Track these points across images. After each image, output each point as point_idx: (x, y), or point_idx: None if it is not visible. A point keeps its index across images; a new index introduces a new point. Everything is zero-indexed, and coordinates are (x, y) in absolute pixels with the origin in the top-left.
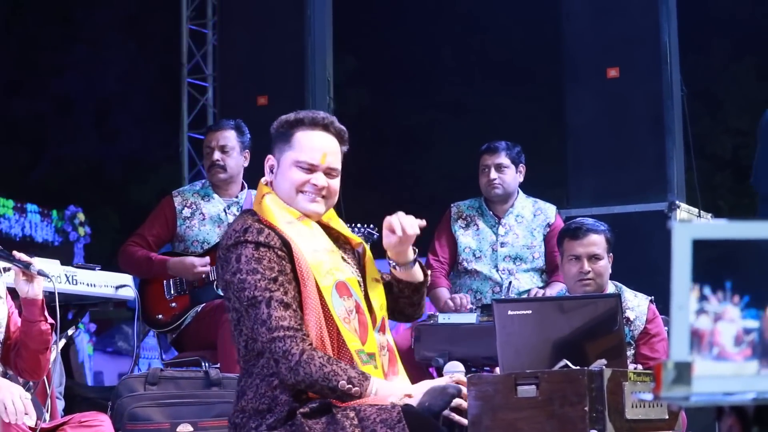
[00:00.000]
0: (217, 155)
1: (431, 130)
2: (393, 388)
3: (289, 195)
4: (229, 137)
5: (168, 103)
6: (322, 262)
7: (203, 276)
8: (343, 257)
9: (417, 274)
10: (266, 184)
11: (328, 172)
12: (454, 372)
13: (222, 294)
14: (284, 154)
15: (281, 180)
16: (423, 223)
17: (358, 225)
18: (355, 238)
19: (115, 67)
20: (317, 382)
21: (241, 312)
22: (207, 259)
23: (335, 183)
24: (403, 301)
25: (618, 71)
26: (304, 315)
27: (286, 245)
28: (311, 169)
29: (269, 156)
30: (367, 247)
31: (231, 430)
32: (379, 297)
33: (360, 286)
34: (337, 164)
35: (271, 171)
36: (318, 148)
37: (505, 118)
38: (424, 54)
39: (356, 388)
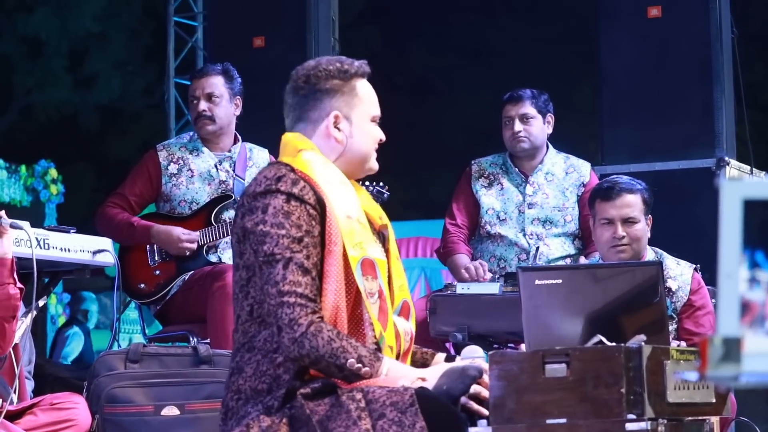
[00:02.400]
0: (203, 105)
1: (448, 77)
2: (406, 369)
3: (367, 153)
4: (217, 84)
5: (152, 45)
6: (354, 231)
7: (186, 253)
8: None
9: None
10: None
11: None
12: (474, 357)
13: (232, 248)
14: (355, 108)
15: (361, 137)
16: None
17: (367, 183)
18: (379, 217)
19: (91, 4)
20: (323, 357)
21: (254, 269)
22: (196, 234)
23: None
24: None
25: (660, 10)
26: (323, 284)
27: (320, 203)
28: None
29: (336, 113)
30: (392, 229)
31: (223, 414)
32: (400, 277)
33: (386, 270)
34: None
35: (337, 127)
36: (377, 100)
37: (532, 63)
38: None
39: (366, 368)
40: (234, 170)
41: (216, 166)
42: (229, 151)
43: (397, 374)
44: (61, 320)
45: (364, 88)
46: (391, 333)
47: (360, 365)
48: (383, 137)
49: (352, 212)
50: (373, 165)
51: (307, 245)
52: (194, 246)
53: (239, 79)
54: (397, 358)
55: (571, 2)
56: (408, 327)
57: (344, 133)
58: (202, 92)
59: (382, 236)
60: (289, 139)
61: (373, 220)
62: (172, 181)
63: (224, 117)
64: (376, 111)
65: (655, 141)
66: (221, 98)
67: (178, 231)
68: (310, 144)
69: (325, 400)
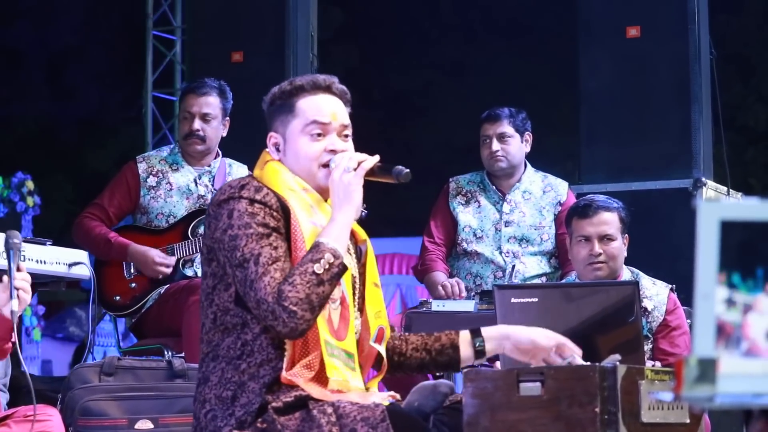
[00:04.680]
0: (197, 124)
1: (427, 94)
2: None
3: (307, 172)
4: (213, 103)
5: (130, 59)
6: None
7: (159, 276)
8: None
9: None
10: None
11: (342, 134)
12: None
13: (201, 257)
14: (289, 126)
15: (293, 156)
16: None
17: None
18: (361, 233)
19: (70, 17)
20: (309, 298)
21: (219, 278)
22: (173, 259)
23: (351, 147)
24: (414, 367)
25: (639, 30)
26: None
27: (284, 210)
28: (323, 132)
29: (271, 134)
30: (371, 246)
31: (194, 427)
32: (376, 304)
33: (353, 280)
34: (349, 123)
35: (277, 149)
36: (325, 108)
37: (511, 81)
38: (420, 7)
39: (331, 261)
40: (213, 185)
41: (195, 180)
42: (209, 165)
43: (334, 232)
44: (36, 332)
45: (305, 103)
46: (352, 340)
47: (325, 263)
48: (333, 147)
49: (317, 219)
50: (325, 183)
51: (276, 239)
52: (168, 270)
53: (231, 100)
54: (363, 371)
55: (550, 21)
56: (383, 351)
57: (281, 153)
58: (199, 110)
59: (359, 250)
60: (262, 153)
61: (357, 233)
62: (151, 194)
63: (214, 138)
64: (311, 118)
65: (632, 161)
66: (215, 119)
67: (154, 253)
68: (271, 156)
69: (296, 414)
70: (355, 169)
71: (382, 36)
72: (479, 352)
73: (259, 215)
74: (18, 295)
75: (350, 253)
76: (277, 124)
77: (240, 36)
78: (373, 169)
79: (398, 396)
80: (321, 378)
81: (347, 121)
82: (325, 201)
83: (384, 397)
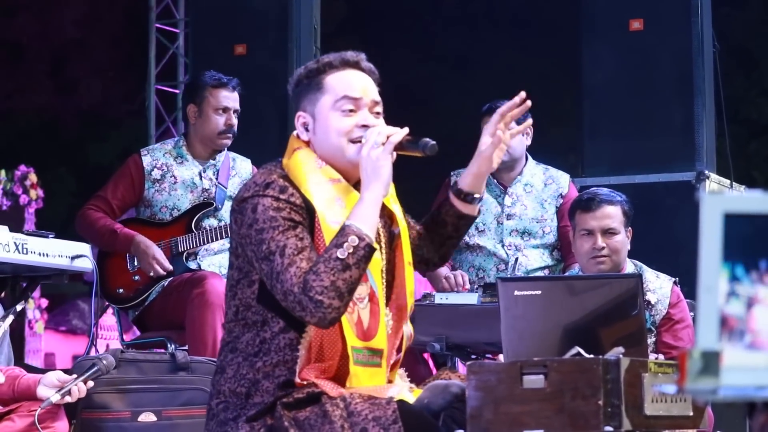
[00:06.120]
0: (234, 119)
1: (430, 87)
2: (365, 208)
3: (337, 148)
4: (238, 99)
5: (133, 51)
6: None
7: (151, 273)
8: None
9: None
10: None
11: (374, 110)
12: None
13: (229, 250)
14: (317, 103)
15: (323, 134)
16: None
17: None
18: (397, 215)
19: (73, 9)
20: (335, 286)
21: (244, 272)
22: (169, 267)
23: (382, 124)
24: (449, 243)
25: (642, 23)
26: None
27: (309, 210)
28: (354, 108)
29: (299, 113)
30: (405, 226)
31: (207, 417)
32: (410, 283)
33: (382, 272)
34: (380, 100)
35: (306, 129)
36: (356, 83)
37: (514, 74)
38: (423, 0)
39: (356, 243)
40: (217, 178)
41: (200, 174)
42: (214, 159)
43: (361, 213)
44: (39, 325)
45: (334, 79)
46: (383, 335)
47: (349, 246)
48: (365, 122)
49: (342, 215)
50: (357, 159)
51: (302, 231)
52: (161, 272)
53: None
54: (389, 360)
55: (553, 14)
56: (408, 330)
57: (310, 133)
58: (233, 106)
59: (392, 234)
60: (290, 138)
61: (395, 217)
62: (155, 187)
63: None
64: (341, 93)
65: (635, 154)
66: (238, 114)
67: (156, 250)
68: (300, 142)
69: (307, 408)
70: (383, 144)
71: (385, 29)
72: (466, 199)
73: (284, 210)
74: (63, 394)
75: (380, 243)
76: (305, 104)
77: (243, 29)
78: (402, 143)
79: (415, 386)
80: (338, 381)
81: (378, 97)
82: (357, 181)
83: (403, 388)
